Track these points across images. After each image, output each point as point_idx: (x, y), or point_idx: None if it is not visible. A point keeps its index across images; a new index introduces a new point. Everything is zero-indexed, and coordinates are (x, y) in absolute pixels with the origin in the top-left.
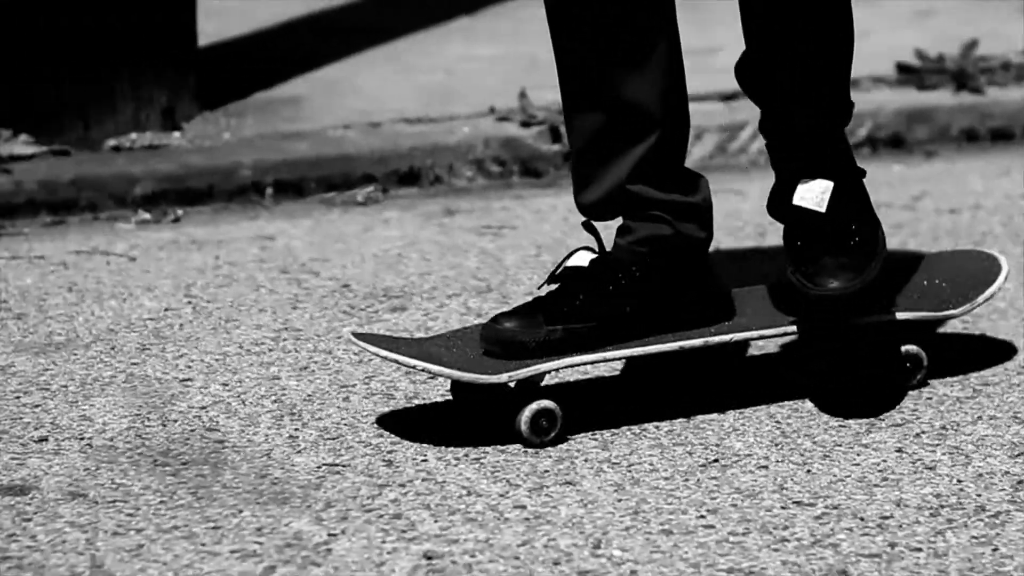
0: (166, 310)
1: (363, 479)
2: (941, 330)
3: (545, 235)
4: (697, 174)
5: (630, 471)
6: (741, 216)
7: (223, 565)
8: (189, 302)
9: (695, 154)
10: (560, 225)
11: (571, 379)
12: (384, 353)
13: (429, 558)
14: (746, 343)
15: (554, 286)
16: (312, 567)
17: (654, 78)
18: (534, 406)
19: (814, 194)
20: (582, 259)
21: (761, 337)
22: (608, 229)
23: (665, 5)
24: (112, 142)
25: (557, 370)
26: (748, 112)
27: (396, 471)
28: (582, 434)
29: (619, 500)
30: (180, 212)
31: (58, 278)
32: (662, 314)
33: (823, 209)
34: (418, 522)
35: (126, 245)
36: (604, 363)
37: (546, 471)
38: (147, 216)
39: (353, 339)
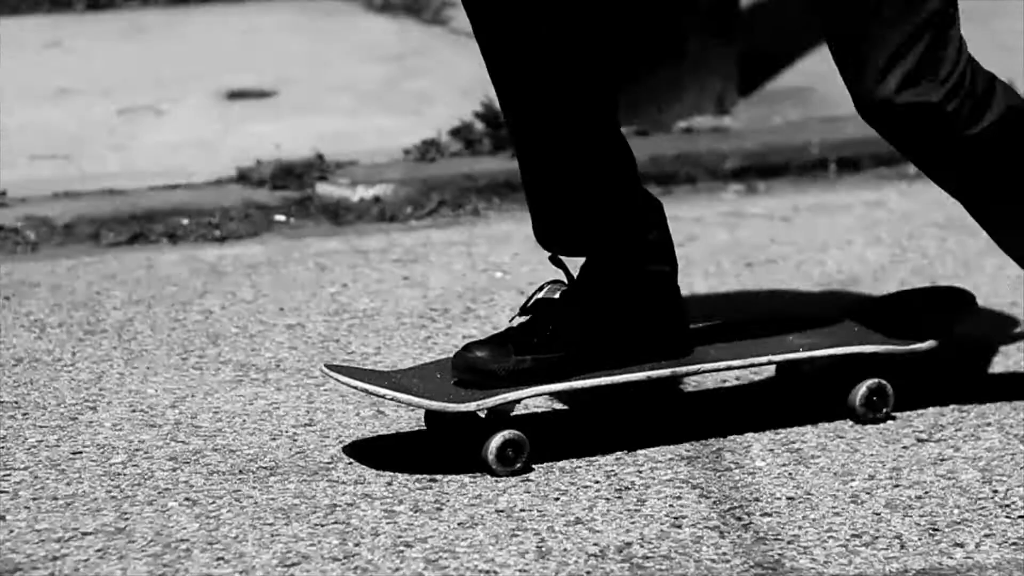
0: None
1: None
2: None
3: None
4: (654, 204)
5: None
6: None
7: None
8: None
9: None
10: None
11: (540, 410)
12: (354, 383)
13: None
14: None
15: (525, 318)
16: None
17: (593, 125)
18: (500, 436)
19: None
20: (552, 292)
21: (728, 368)
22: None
23: (584, 48)
24: (682, 124)
25: (526, 399)
26: None
27: None
28: None
29: None
30: (763, 185)
31: (757, 232)
32: (631, 345)
33: None
34: None
35: (761, 209)
36: (574, 395)
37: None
38: (739, 187)
39: (326, 371)
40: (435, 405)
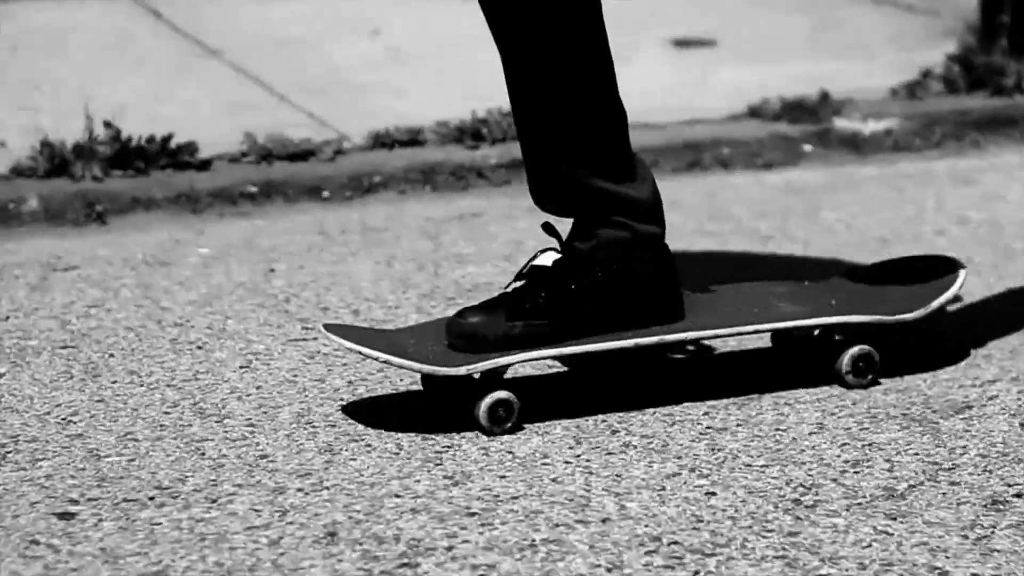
0: None
1: None
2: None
3: None
4: (642, 163)
5: None
6: None
7: None
8: None
9: None
10: None
11: (533, 373)
12: (350, 345)
13: None
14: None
15: (519, 283)
16: None
17: (588, 82)
18: (492, 397)
19: None
20: (547, 259)
21: (716, 336)
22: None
23: (596, 14)
24: None
25: (514, 364)
26: None
27: None
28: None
29: None
30: None
31: None
32: (622, 312)
33: None
34: None
35: None
36: (566, 358)
37: None
38: None
39: (323, 331)
40: (427, 368)
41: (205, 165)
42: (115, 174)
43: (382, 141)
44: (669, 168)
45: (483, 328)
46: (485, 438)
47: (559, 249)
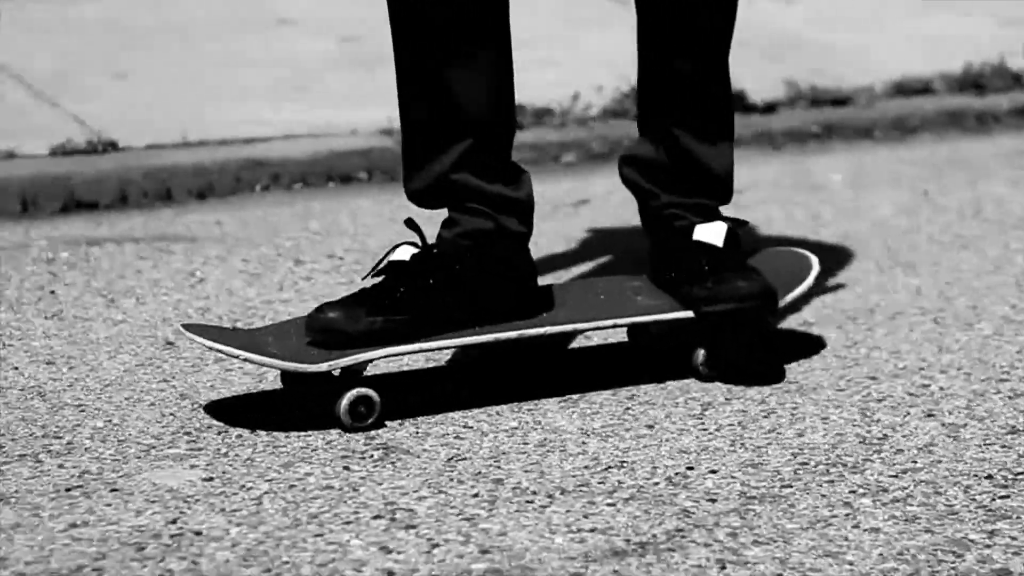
0: None
1: None
2: None
3: None
4: (521, 170)
5: None
6: None
7: None
8: None
9: None
10: None
11: (393, 369)
12: (209, 343)
13: None
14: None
15: (378, 279)
16: None
17: (483, 78)
18: (352, 393)
19: (714, 232)
20: (404, 254)
21: (575, 331)
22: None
23: (498, 9)
24: None
25: (375, 360)
26: None
27: None
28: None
29: None
30: None
31: None
32: (481, 307)
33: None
34: None
35: None
36: (425, 353)
37: None
38: None
39: (182, 331)
40: (288, 366)
41: (770, 108)
42: None
43: (901, 89)
44: None
45: (342, 323)
46: None
47: (417, 244)
